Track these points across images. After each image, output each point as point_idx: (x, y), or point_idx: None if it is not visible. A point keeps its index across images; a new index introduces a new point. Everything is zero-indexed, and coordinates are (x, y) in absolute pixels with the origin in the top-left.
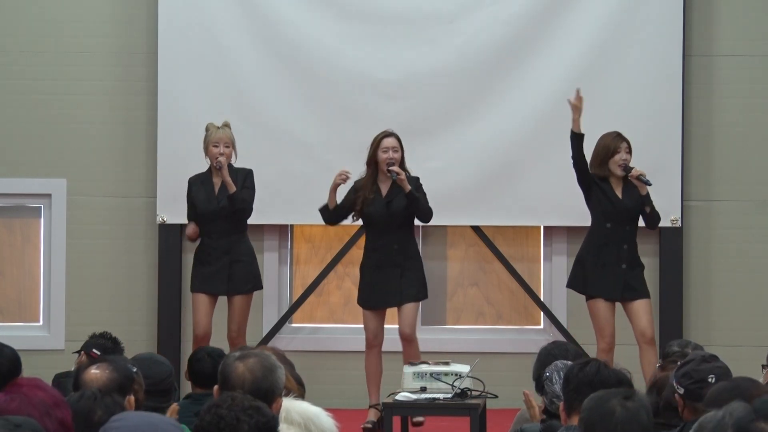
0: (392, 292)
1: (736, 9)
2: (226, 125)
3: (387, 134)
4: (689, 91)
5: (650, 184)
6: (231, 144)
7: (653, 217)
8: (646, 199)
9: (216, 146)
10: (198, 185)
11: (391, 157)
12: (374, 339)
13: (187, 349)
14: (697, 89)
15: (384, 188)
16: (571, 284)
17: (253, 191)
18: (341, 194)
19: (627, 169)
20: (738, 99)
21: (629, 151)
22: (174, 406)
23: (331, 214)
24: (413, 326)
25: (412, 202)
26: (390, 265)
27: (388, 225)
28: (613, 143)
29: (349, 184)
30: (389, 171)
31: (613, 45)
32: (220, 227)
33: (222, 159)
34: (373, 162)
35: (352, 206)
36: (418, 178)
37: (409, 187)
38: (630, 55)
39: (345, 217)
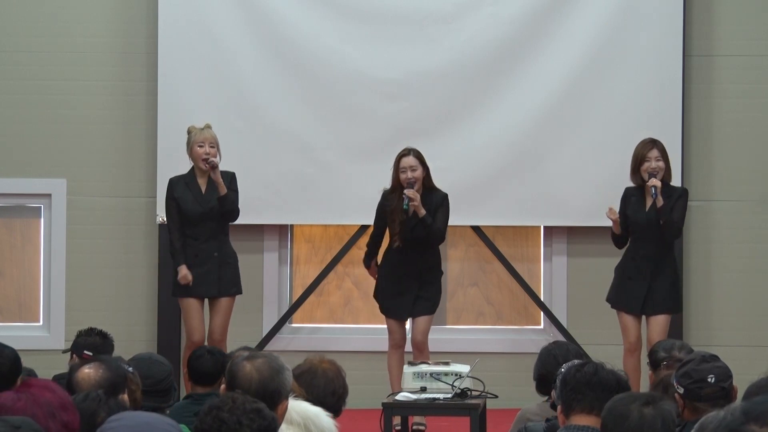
0: (408, 304)
1: (736, 9)
2: (209, 127)
3: (404, 153)
4: (689, 91)
5: (654, 196)
6: (216, 144)
7: (667, 230)
8: (661, 211)
9: (201, 146)
10: (182, 186)
11: (410, 177)
12: (401, 340)
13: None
14: (697, 89)
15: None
16: (607, 296)
17: (238, 194)
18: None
19: (650, 177)
20: (738, 99)
21: (660, 158)
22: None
23: (374, 255)
24: (426, 334)
25: (425, 227)
26: (410, 279)
27: (414, 237)
28: (642, 151)
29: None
30: (403, 196)
31: (613, 45)
32: (208, 229)
33: (215, 160)
34: (397, 182)
35: (384, 229)
36: (446, 196)
37: (422, 212)
38: (630, 55)
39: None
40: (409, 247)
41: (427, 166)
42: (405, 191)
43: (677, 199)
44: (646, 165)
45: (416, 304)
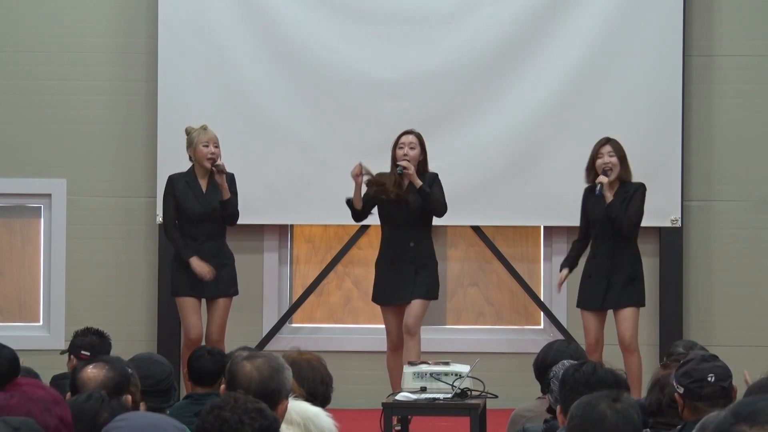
0: (404, 288)
1: (736, 9)
2: (205, 128)
3: (406, 132)
4: (689, 91)
5: (597, 193)
6: (218, 145)
7: (620, 225)
8: (609, 207)
9: (206, 146)
10: (183, 185)
11: (406, 153)
12: (398, 341)
13: None
14: (697, 89)
15: (405, 185)
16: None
17: (237, 196)
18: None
19: (605, 173)
20: (738, 99)
21: (614, 154)
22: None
23: (359, 214)
24: (417, 319)
25: (424, 197)
26: (405, 261)
27: (405, 222)
28: (595, 148)
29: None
30: (397, 165)
31: (613, 45)
32: (208, 230)
33: (222, 164)
34: (393, 160)
35: (375, 200)
36: (436, 174)
37: (419, 183)
38: (630, 55)
39: (370, 212)
40: (403, 226)
41: (426, 151)
42: (398, 162)
43: (633, 193)
44: (599, 162)
45: (413, 289)
